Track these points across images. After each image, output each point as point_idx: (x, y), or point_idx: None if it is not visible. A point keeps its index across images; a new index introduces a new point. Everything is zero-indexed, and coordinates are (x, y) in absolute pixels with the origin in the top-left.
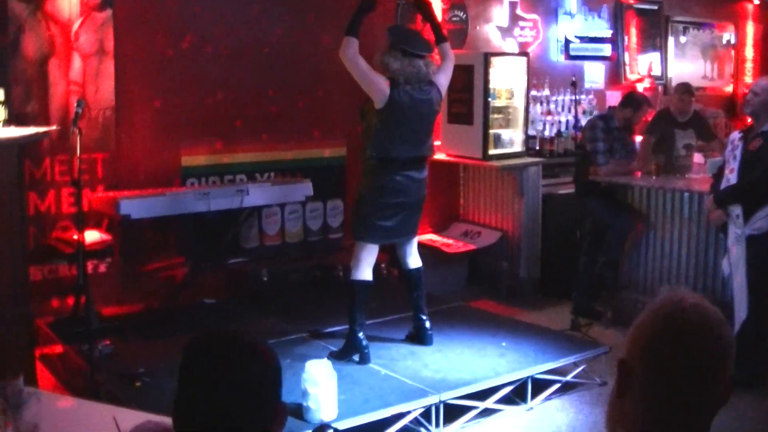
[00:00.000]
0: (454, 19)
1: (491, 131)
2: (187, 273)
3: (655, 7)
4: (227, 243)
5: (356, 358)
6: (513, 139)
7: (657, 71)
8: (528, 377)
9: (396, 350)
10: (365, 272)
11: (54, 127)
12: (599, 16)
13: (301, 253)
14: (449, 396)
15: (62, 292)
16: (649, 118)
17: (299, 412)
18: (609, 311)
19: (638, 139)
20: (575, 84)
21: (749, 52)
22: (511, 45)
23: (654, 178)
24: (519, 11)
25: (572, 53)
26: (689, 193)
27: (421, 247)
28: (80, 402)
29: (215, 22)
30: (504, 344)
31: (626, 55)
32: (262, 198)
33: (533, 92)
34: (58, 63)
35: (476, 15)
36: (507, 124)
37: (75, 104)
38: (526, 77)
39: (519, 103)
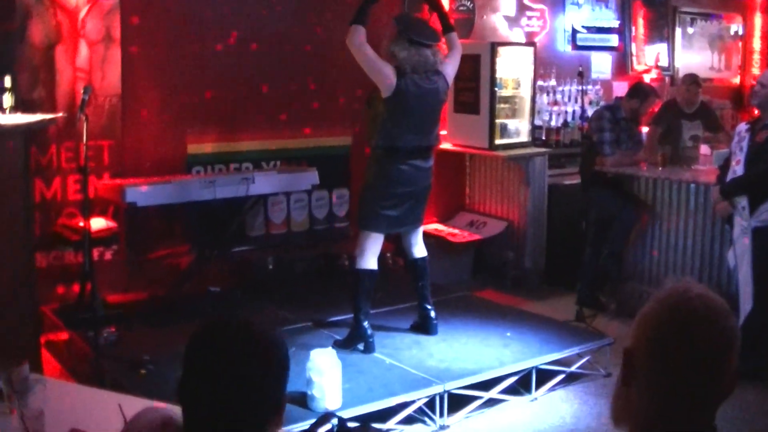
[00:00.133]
0: (461, 8)
1: (497, 121)
2: (192, 261)
3: None
4: (233, 231)
5: (361, 347)
6: (519, 129)
7: (664, 62)
8: (532, 368)
9: (401, 339)
10: (370, 261)
11: (60, 114)
12: (606, 7)
13: (306, 241)
14: (454, 386)
15: (68, 279)
16: (656, 109)
17: (303, 400)
18: (614, 302)
19: (645, 130)
20: (582, 74)
21: (757, 43)
22: (518, 35)
23: (660, 169)
24: (526, 1)
25: (579, 43)
26: (695, 184)
27: (427, 236)
28: (85, 389)
29: (221, 9)
30: (509, 334)
31: (633, 45)
32: (267, 186)
33: (540, 82)
34: (64, 50)
35: (483, 4)
36: (513, 114)
37: (81, 91)
38: (532, 67)
39: (525, 93)
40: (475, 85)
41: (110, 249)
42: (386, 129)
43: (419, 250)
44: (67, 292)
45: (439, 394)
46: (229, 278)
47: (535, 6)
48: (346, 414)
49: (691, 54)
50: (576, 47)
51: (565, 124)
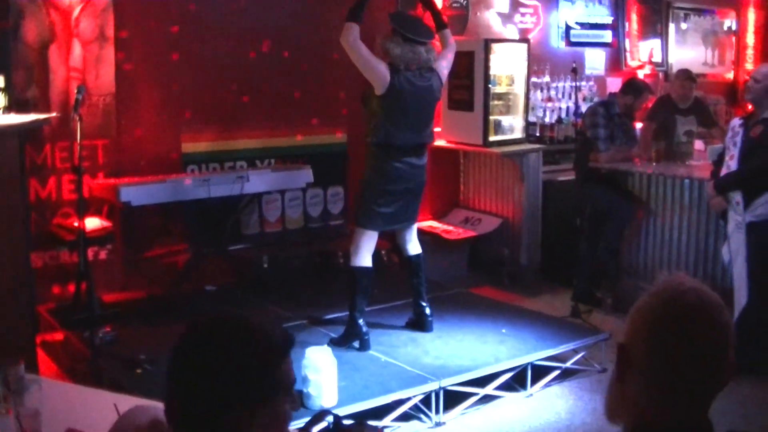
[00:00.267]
0: (455, 5)
1: (492, 118)
2: (188, 260)
3: None
4: (228, 230)
5: (356, 344)
6: (513, 125)
7: (658, 58)
8: (528, 364)
9: (396, 337)
10: (365, 259)
11: (54, 114)
12: (600, 3)
13: (301, 239)
14: (449, 382)
15: (63, 278)
16: (650, 105)
17: (299, 398)
18: (609, 298)
19: (639, 125)
20: (576, 70)
21: (750, 38)
22: (511, 31)
23: (654, 164)
24: None
25: (573, 39)
26: (690, 180)
27: (422, 233)
28: (82, 388)
29: (216, 8)
30: (504, 331)
31: (627, 41)
32: (262, 185)
33: (534, 79)
34: (58, 49)
35: (477, 1)
36: (507, 110)
37: (75, 90)
38: (526, 64)
39: (519, 89)
40: (469, 82)
41: (105, 248)
42: (381, 126)
43: (414, 247)
44: (62, 292)
45: (435, 390)
46: (225, 277)
47: (528, 2)
48: (341, 411)
49: (685, 49)
50: (570, 43)
51: (560, 120)
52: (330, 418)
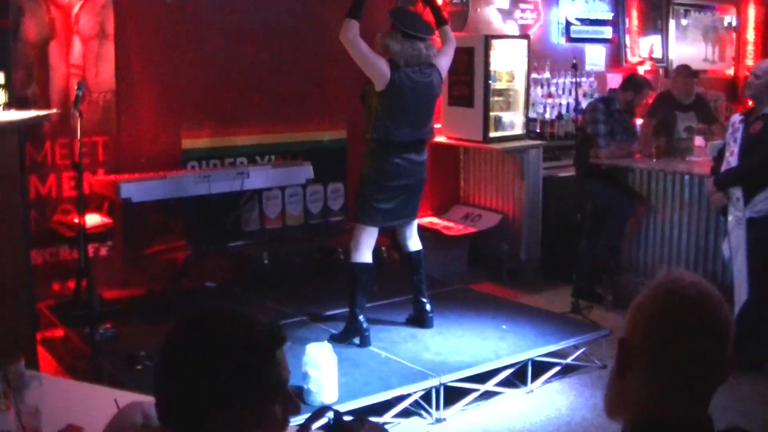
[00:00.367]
0: (455, 1)
1: (492, 114)
2: (188, 256)
3: None
4: (228, 226)
5: (357, 340)
6: (514, 121)
7: (658, 54)
8: (528, 360)
9: (396, 333)
10: (365, 255)
11: (54, 111)
12: None
13: (301, 236)
14: (450, 378)
15: (63, 275)
16: (650, 101)
17: (300, 394)
18: (609, 294)
19: (639, 121)
20: (576, 66)
21: (750, 34)
22: (511, 27)
23: (655, 160)
24: None
25: (573, 36)
26: (690, 176)
27: (422, 229)
28: (82, 385)
29: (217, 4)
30: (504, 327)
31: (627, 37)
32: (262, 181)
33: (534, 75)
34: (58, 46)
35: None
36: (508, 106)
37: (76, 87)
38: (526, 60)
39: (520, 85)
40: (469, 78)
41: (106, 245)
42: (381, 122)
43: (414, 243)
44: (62, 288)
45: (435, 387)
46: (225, 273)
47: None
48: (342, 408)
49: (685, 45)
50: (570, 39)
51: (560, 116)
52: (330, 414)
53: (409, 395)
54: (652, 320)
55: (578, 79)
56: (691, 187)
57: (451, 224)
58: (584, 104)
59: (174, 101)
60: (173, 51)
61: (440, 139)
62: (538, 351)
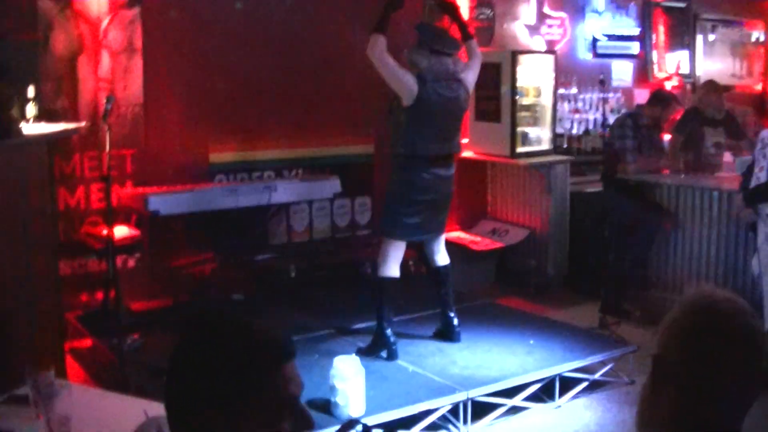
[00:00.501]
0: (481, 16)
1: (519, 129)
2: (215, 269)
3: (683, 5)
4: (255, 239)
5: (384, 354)
6: (540, 137)
7: (685, 69)
8: (556, 375)
9: (424, 347)
10: (392, 269)
11: (83, 123)
12: (627, 14)
13: (328, 249)
14: (477, 393)
15: (91, 286)
16: (678, 116)
17: (327, 407)
18: (637, 310)
19: (666, 137)
20: (603, 82)
21: None
22: (538, 43)
23: (683, 176)
24: (546, 9)
25: (600, 51)
26: (719, 191)
27: (449, 244)
28: (110, 395)
29: (243, 18)
30: (532, 342)
31: (654, 53)
32: (289, 194)
33: (561, 90)
34: (87, 60)
35: (503, 12)
36: (535, 122)
37: (104, 101)
38: (553, 75)
39: (546, 100)
40: (496, 94)
41: (133, 256)
42: (408, 137)
43: (442, 257)
44: (90, 299)
45: (463, 401)
46: (251, 286)
47: (555, 14)
48: (369, 421)
49: (713, 61)
50: (597, 55)
51: (587, 131)
52: (359, 428)
53: (436, 409)
54: (686, 336)
55: (605, 95)
56: (719, 203)
57: (478, 239)
58: (611, 119)
59: (201, 114)
60: (201, 64)
61: (467, 154)
62: (565, 366)
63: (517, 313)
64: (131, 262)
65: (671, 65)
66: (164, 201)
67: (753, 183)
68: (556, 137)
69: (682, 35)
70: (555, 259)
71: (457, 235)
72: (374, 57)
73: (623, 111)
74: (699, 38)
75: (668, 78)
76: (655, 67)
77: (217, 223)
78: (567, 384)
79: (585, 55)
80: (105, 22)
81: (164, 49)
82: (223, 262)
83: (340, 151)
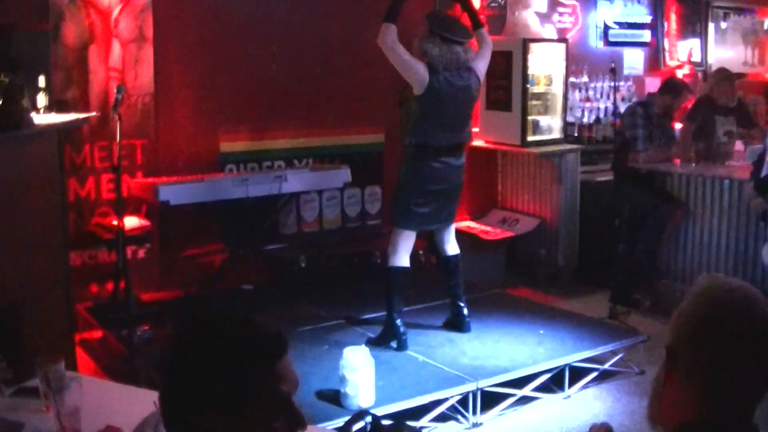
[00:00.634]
0: (493, 5)
1: (530, 118)
2: (225, 259)
3: None
4: (265, 229)
5: (394, 344)
6: (551, 125)
7: (697, 57)
8: (565, 365)
9: (433, 337)
10: (403, 259)
11: (94, 114)
12: (639, 2)
13: (338, 239)
14: (487, 383)
15: (101, 277)
16: (689, 105)
17: (337, 398)
18: (647, 300)
19: (678, 126)
20: (614, 70)
21: None
22: (549, 31)
23: (694, 165)
24: None
25: (611, 39)
26: (729, 180)
27: (459, 234)
28: (120, 386)
29: (253, 7)
30: (541, 332)
31: (666, 41)
32: (300, 184)
33: (572, 79)
34: (97, 50)
35: (515, 1)
36: (545, 110)
37: (115, 90)
38: (564, 63)
39: (558, 89)
40: (507, 82)
41: (143, 247)
42: (419, 126)
43: (452, 247)
44: (100, 290)
45: (472, 391)
46: (261, 276)
47: (566, 2)
48: (379, 411)
49: (725, 49)
50: (608, 43)
51: (598, 120)
52: (369, 418)
53: (445, 399)
54: (699, 326)
55: (616, 83)
56: (730, 192)
57: (488, 228)
58: (622, 108)
59: (212, 104)
60: (211, 54)
61: (478, 143)
62: (575, 356)
63: (526, 303)
64: (141, 253)
65: (683, 53)
66: (174, 191)
67: (764, 172)
68: (566, 126)
69: (694, 23)
70: (565, 248)
71: (467, 224)
72: (385, 46)
73: (634, 100)
74: (711, 26)
75: (680, 66)
76: (667, 56)
77: (227, 214)
78: (577, 374)
79: (596, 43)
80: (116, 12)
81: (175, 39)
82: (233, 252)
83: (350, 140)
